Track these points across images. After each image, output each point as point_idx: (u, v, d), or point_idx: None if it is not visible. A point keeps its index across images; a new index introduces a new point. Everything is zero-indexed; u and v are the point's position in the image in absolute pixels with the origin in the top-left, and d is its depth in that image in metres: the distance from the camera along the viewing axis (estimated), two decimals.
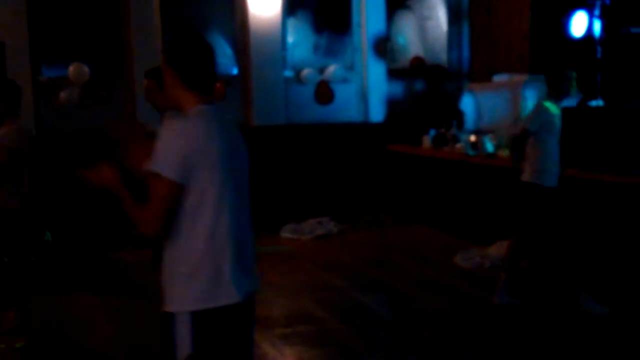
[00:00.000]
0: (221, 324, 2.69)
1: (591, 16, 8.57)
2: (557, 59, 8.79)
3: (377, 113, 11.03)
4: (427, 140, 9.70)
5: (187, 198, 2.63)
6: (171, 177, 2.58)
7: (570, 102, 6.99)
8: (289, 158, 10.34)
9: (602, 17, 8.55)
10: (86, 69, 9.35)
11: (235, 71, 10.55)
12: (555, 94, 5.86)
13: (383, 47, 10.98)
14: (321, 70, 10.74)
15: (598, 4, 8.55)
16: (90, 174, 2.82)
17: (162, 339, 2.72)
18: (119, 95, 9.89)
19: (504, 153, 7.96)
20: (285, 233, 9.08)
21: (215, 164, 2.65)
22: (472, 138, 8.57)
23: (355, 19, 11.10)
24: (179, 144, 2.61)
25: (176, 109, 2.80)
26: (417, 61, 11.12)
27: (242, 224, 2.77)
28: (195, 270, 2.65)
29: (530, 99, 8.44)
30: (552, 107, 5.81)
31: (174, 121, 2.73)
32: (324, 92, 10.75)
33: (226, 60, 10.53)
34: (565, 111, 6.03)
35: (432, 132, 9.69)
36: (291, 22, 10.79)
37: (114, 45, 9.97)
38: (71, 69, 9.30)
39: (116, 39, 9.97)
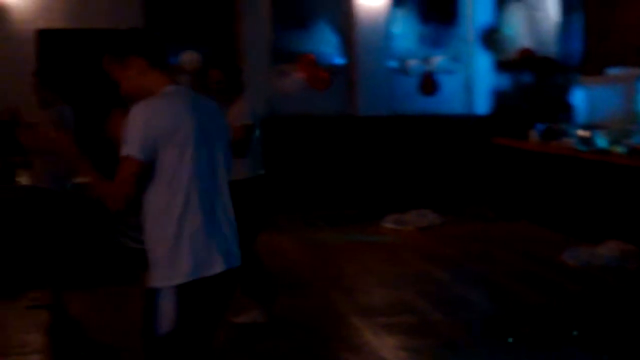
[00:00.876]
0: (202, 296, 2.76)
1: None
2: None
3: (482, 105, 10.86)
4: (534, 134, 9.47)
5: (160, 175, 2.71)
6: (137, 157, 2.66)
7: None
8: (393, 149, 10.33)
9: None
10: (198, 56, 9.62)
11: (340, 61, 10.61)
12: None
13: (490, 38, 10.78)
14: (426, 61, 10.66)
15: None
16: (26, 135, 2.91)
17: (144, 315, 2.79)
18: None
19: (618, 149, 7.70)
20: (388, 223, 9.09)
21: (185, 140, 2.71)
22: (583, 133, 8.32)
23: (462, 9, 10.95)
24: (145, 123, 2.67)
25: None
26: (526, 53, 10.86)
27: (217, 198, 2.83)
28: (173, 246, 2.72)
29: None
30: None
31: (141, 103, 2.74)
32: (429, 83, 10.67)
33: (331, 49, 10.61)
34: None
35: (540, 126, 9.45)
36: (397, 12, 10.74)
37: (225, 33, 10.22)
38: (184, 56, 9.58)
39: (228, 27, 10.21)
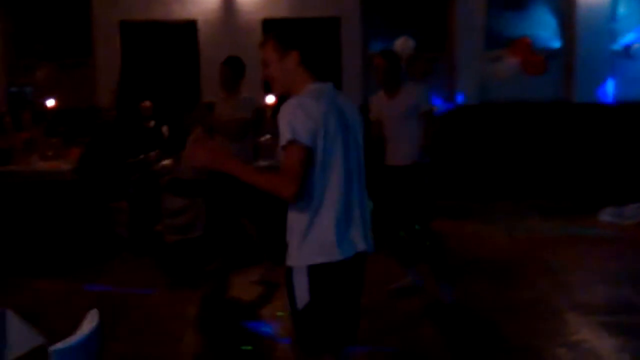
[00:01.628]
0: (331, 278, 2.94)
1: None
2: None
3: None
4: None
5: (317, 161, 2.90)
6: (306, 142, 2.81)
7: None
8: (612, 138, 9.80)
9: None
10: (412, 42, 9.68)
11: (557, 44, 10.22)
12: None
13: None
14: None
15: None
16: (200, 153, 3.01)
17: (287, 290, 3.01)
18: (440, 69, 10.13)
19: None
20: (605, 216, 8.65)
21: (328, 134, 2.88)
22: None
23: None
24: (305, 115, 2.84)
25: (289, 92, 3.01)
26: None
27: (352, 188, 2.99)
28: (308, 229, 2.91)
29: None
30: None
31: (296, 98, 2.92)
32: None
33: (548, 32, 10.24)
34: None
35: None
36: None
37: (438, 18, 10.22)
38: (397, 42, 9.69)
39: (441, 12, 10.19)
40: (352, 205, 2.99)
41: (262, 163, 7.51)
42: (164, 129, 9.13)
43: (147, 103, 9.19)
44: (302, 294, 2.94)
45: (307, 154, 2.83)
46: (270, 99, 7.75)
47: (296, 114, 2.84)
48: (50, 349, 2.35)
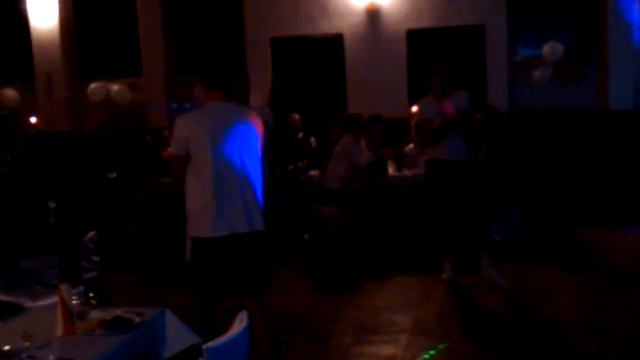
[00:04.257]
0: (203, 250, 4.04)
1: None
2: None
3: None
4: None
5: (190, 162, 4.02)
6: (175, 152, 4.10)
7: None
8: None
9: None
10: (560, 47, 9.46)
11: None
12: None
13: None
14: None
15: None
16: None
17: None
18: (591, 74, 9.81)
19: None
20: None
21: (202, 140, 3.95)
22: None
23: None
24: (180, 129, 4.05)
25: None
26: None
27: (230, 180, 3.98)
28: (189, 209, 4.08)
29: None
30: None
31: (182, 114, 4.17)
32: None
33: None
34: None
35: None
36: None
37: (588, 21, 9.90)
38: (546, 47, 9.50)
39: (591, 15, 9.87)
40: (230, 193, 3.97)
41: (407, 172, 7.63)
42: (312, 140, 9.45)
43: (296, 115, 9.55)
44: (188, 254, 4.12)
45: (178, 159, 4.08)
46: (415, 109, 7.84)
47: (176, 126, 4.08)
48: (204, 347, 2.59)
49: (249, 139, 4.06)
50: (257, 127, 4.14)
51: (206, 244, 4.01)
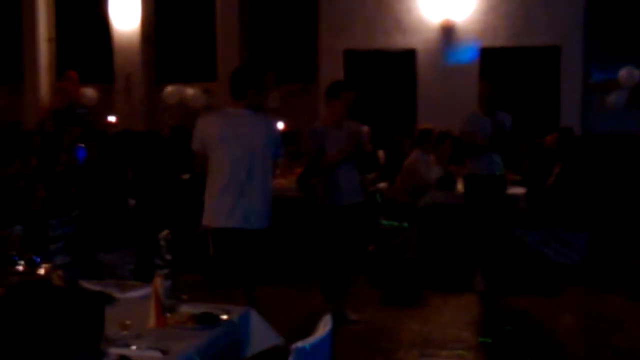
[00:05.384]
0: (222, 239, 4.48)
1: None
2: None
3: None
4: None
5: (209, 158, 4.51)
6: (193, 148, 4.59)
7: None
8: None
9: None
10: (637, 72, 9.34)
11: None
12: None
13: None
14: None
15: None
16: None
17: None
18: None
19: None
20: None
21: (217, 140, 4.45)
22: None
23: None
24: (198, 128, 4.59)
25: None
26: None
27: (245, 177, 4.43)
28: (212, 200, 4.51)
29: None
30: None
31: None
32: None
33: None
34: None
35: None
36: None
37: None
38: (622, 72, 9.39)
39: None
40: (242, 190, 4.40)
41: None
42: (380, 153, 9.51)
43: (366, 128, 9.62)
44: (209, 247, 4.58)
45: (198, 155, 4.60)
46: None
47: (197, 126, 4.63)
48: (292, 347, 2.69)
49: (259, 143, 4.48)
50: (269, 132, 4.63)
51: (223, 233, 4.47)
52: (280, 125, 8.88)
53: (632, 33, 9.86)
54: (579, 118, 9.65)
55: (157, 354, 2.73)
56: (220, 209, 4.47)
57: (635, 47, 9.85)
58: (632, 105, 9.52)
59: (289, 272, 7.45)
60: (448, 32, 10.16)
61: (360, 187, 5.86)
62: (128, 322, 2.95)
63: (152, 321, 3.12)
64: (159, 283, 3.17)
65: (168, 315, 3.16)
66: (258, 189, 4.49)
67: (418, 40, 10.31)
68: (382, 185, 8.49)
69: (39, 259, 3.83)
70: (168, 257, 6.42)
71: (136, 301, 3.45)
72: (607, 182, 8.94)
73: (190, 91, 10.92)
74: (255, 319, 3.33)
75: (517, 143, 8.43)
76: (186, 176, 8.54)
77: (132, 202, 6.83)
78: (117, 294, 3.57)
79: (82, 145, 7.31)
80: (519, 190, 7.66)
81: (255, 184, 4.47)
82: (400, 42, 10.40)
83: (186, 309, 3.28)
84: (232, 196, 4.43)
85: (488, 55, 10.06)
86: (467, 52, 10.07)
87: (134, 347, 2.76)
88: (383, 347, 5.44)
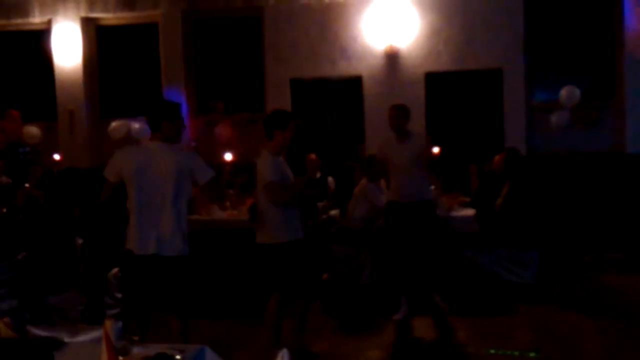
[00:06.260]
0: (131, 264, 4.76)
1: None
2: None
3: None
4: None
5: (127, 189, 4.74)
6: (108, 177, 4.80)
7: None
8: None
9: None
10: (577, 91, 9.56)
11: None
12: None
13: None
14: None
15: None
16: None
17: None
18: (608, 118, 9.90)
19: None
20: None
21: (132, 172, 4.67)
22: None
23: None
24: (116, 159, 4.80)
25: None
26: None
27: (152, 207, 4.66)
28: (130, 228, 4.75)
29: None
30: None
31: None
32: None
33: None
34: None
35: None
36: None
37: (604, 65, 10.03)
38: (563, 91, 9.61)
39: (607, 59, 10.00)
40: (152, 218, 4.64)
41: None
42: (330, 180, 9.52)
43: (313, 155, 9.63)
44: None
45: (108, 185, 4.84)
46: (433, 151, 7.94)
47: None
48: None
49: (170, 172, 4.66)
50: (181, 161, 4.75)
51: (133, 259, 4.69)
52: (229, 156, 8.84)
53: (571, 53, 10.12)
54: (523, 138, 9.83)
55: None
56: (135, 237, 4.67)
57: (575, 66, 10.11)
58: (574, 124, 9.73)
59: (247, 305, 7.36)
60: (392, 58, 10.27)
61: (300, 224, 5.58)
62: None
63: None
64: (110, 325, 3.08)
65: (120, 358, 3.07)
66: (170, 217, 4.66)
67: (363, 67, 10.40)
68: (334, 212, 8.49)
69: None
70: (118, 295, 6.29)
71: (87, 345, 3.34)
72: (553, 200, 9.10)
73: (136, 125, 10.78)
74: (210, 357, 3.26)
75: (458, 164, 8.58)
76: None
77: (79, 241, 6.68)
78: (67, 339, 3.46)
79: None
80: (468, 211, 7.75)
81: (167, 213, 4.65)
82: (346, 69, 10.47)
83: (139, 350, 3.19)
84: (146, 224, 4.65)
85: (432, 80, 10.20)
86: None
87: None
88: None
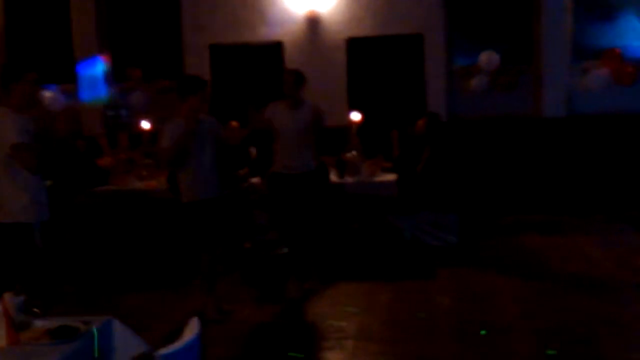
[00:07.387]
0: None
1: None
2: None
3: None
4: None
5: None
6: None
7: None
8: None
9: None
10: (496, 56, 9.64)
11: None
12: None
13: None
14: None
15: None
16: None
17: None
18: (526, 82, 10.03)
19: None
20: None
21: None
22: None
23: None
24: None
25: None
26: None
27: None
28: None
29: None
30: None
31: None
32: None
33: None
34: None
35: None
36: None
37: (523, 31, 10.14)
38: (482, 56, 9.67)
39: (526, 25, 10.11)
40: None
41: (349, 180, 7.65)
42: (252, 148, 9.37)
43: (234, 123, 9.45)
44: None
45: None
46: (355, 116, 7.88)
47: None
48: (156, 354, 2.51)
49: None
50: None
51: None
52: (146, 125, 8.59)
53: (491, 18, 10.19)
54: (444, 103, 9.88)
55: None
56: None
57: (494, 32, 10.18)
58: (493, 88, 9.83)
59: (167, 275, 7.21)
60: (313, 23, 10.13)
61: (217, 182, 5.79)
62: None
63: (3, 339, 2.85)
64: (8, 299, 2.90)
65: (21, 332, 2.90)
66: (10, 183, 4.59)
67: (284, 33, 10.22)
68: (255, 180, 8.36)
69: None
70: None
71: None
72: (473, 163, 9.21)
73: (48, 94, 10.35)
74: (118, 328, 3.12)
75: (380, 129, 8.57)
76: (49, 183, 8.09)
77: None
78: None
79: None
80: (390, 176, 7.74)
81: (6, 180, 4.60)
82: (266, 34, 10.27)
83: (41, 323, 3.02)
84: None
85: (354, 45, 10.11)
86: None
87: None
88: (265, 342, 5.34)
